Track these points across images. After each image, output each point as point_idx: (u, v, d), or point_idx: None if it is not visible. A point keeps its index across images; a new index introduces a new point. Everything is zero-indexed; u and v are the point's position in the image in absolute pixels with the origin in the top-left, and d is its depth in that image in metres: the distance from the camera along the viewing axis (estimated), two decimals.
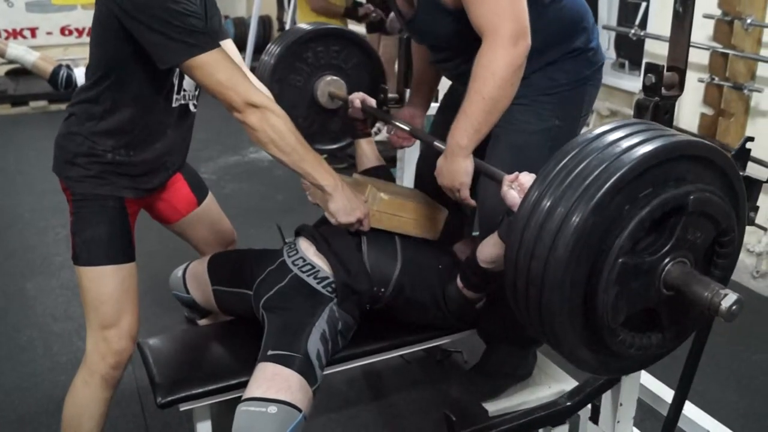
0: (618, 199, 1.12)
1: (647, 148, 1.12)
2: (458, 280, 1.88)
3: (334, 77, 2.40)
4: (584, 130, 2.04)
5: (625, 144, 1.13)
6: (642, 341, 1.25)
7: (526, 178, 1.49)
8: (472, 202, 1.80)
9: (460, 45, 1.77)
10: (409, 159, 2.81)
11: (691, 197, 1.16)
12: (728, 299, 1.12)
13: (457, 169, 1.74)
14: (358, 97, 2.22)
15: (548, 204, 1.14)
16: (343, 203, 1.83)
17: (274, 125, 1.67)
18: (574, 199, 1.11)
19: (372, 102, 2.22)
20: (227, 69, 1.63)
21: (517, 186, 1.50)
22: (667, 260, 1.18)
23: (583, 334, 1.21)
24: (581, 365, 1.28)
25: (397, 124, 2.10)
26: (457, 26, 1.75)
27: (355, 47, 2.45)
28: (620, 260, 1.13)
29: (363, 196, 1.92)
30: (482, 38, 1.66)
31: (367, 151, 2.31)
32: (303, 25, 2.49)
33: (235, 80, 1.63)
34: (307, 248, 1.96)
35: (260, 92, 1.69)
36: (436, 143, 1.85)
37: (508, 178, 1.53)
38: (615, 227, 1.13)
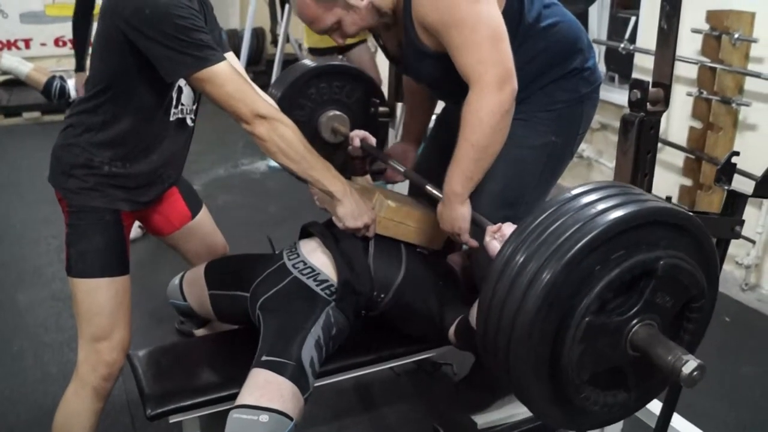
0: (590, 259, 1.14)
1: (622, 211, 1.15)
2: (452, 332, 1.89)
3: (338, 112, 2.41)
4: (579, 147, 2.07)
5: (600, 206, 1.16)
6: (607, 399, 1.26)
7: (509, 230, 1.51)
8: (475, 244, 1.81)
9: (451, 86, 1.78)
10: None
11: (661, 262, 1.18)
12: (689, 365, 1.14)
13: (456, 216, 1.77)
14: (358, 136, 2.21)
15: (522, 258, 1.17)
16: (351, 208, 1.85)
17: (282, 135, 1.69)
18: (547, 255, 1.13)
19: (372, 141, 2.21)
20: (235, 81, 1.65)
21: (499, 236, 1.53)
22: (634, 322, 1.20)
23: (548, 387, 1.22)
24: (544, 418, 1.29)
25: (392, 164, 2.13)
26: (442, 69, 1.77)
27: (358, 82, 2.46)
28: (587, 319, 1.16)
29: (370, 203, 1.95)
30: (468, 85, 1.68)
31: None
32: (307, 62, 2.51)
33: (243, 92, 1.66)
34: (311, 249, 1.97)
35: (268, 103, 1.72)
36: (428, 187, 1.89)
37: (490, 228, 1.56)
38: (585, 286, 1.15)
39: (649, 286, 1.19)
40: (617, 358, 1.22)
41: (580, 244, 1.12)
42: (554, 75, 1.88)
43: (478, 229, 1.77)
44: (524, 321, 1.14)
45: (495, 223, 1.76)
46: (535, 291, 1.13)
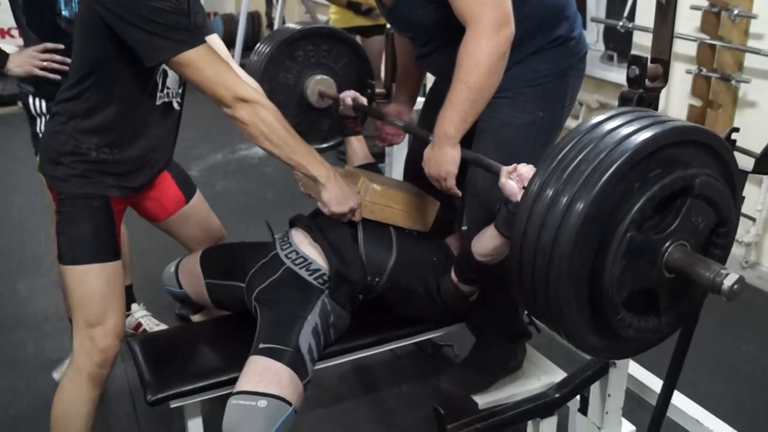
0: (628, 179, 1.15)
1: (653, 131, 1.15)
2: (452, 274, 1.88)
3: (324, 76, 2.40)
4: (570, 121, 2.05)
5: (626, 130, 1.17)
6: (640, 323, 1.28)
7: (525, 169, 1.51)
8: (458, 192, 1.81)
9: (441, 36, 1.76)
10: (397, 155, 2.81)
11: (698, 180, 1.20)
12: (730, 278, 1.15)
13: (445, 158, 1.75)
14: (349, 96, 2.22)
15: (553, 189, 1.16)
16: (336, 193, 1.84)
17: (264, 118, 1.68)
18: (582, 180, 1.14)
19: (363, 100, 2.22)
20: (214, 64, 1.63)
21: (515, 176, 1.51)
22: (669, 242, 1.22)
23: (587, 312, 1.24)
24: (580, 345, 1.30)
25: (391, 120, 2.11)
26: (437, 15, 1.75)
27: (345, 47, 2.45)
28: (629, 234, 1.17)
29: (355, 187, 1.93)
30: (465, 27, 1.66)
31: (357, 149, 2.31)
32: (293, 25, 2.50)
33: (223, 75, 1.64)
34: (301, 240, 1.96)
35: (249, 86, 1.70)
36: (431, 138, 1.85)
37: (506, 169, 1.54)
38: (625, 204, 1.17)
39: (686, 203, 1.21)
40: (652, 279, 1.24)
41: (616, 165, 1.12)
42: (539, 43, 1.85)
43: (482, 178, 1.76)
44: (564, 246, 1.15)
45: (491, 205, 1.74)
46: (577, 207, 1.13)
